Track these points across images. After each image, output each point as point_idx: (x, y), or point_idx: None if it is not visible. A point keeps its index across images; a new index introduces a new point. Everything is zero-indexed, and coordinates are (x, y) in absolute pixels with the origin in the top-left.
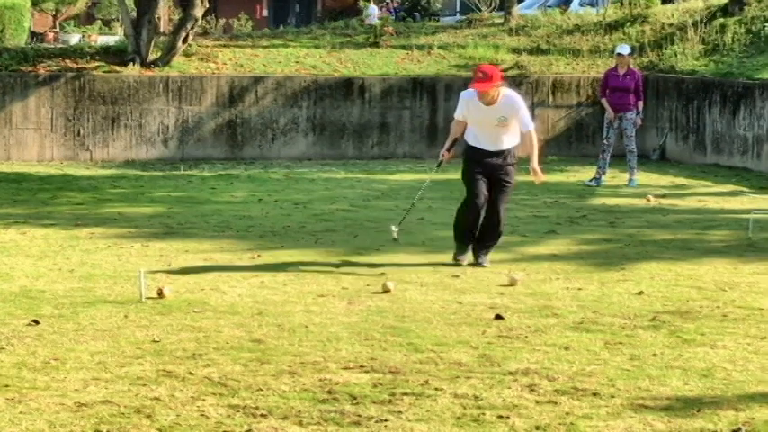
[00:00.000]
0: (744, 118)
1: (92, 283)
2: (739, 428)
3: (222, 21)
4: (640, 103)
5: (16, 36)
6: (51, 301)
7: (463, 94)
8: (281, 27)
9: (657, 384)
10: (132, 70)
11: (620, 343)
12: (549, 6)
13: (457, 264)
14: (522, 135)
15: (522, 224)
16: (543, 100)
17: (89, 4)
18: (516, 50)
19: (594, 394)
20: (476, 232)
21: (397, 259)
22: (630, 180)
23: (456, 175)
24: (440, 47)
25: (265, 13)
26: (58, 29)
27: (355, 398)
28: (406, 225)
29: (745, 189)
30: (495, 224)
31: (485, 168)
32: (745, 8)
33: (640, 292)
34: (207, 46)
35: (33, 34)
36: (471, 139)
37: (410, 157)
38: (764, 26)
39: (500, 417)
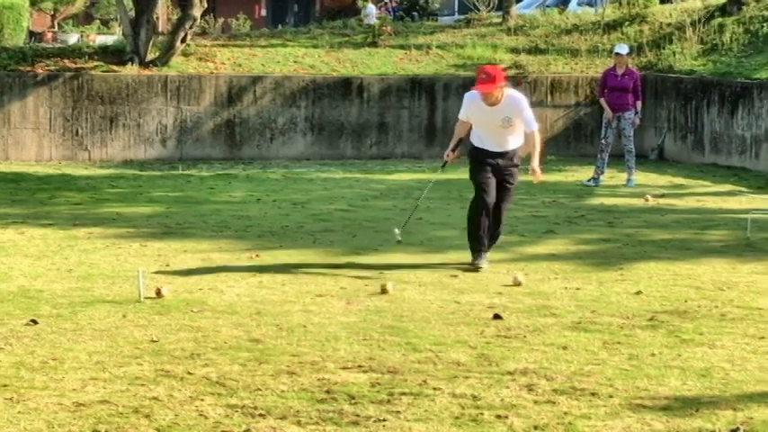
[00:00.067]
0: (742, 118)
1: (90, 282)
2: (738, 428)
3: (221, 20)
4: (639, 103)
5: (15, 36)
6: (49, 300)
7: (467, 95)
8: (280, 27)
9: (656, 384)
10: (131, 70)
11: (619, 343)
12: (547, 6)
13: (475, 269)
14: (526, 135)
15: (520, 224)
16: (541, 100)
17: (87, 4)
18: (514, 50)
19: (593, 394)
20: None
21: (395, 259)
22: (629, 180)
23: (455, 176)
24: (438, 46)
25: (264, 12)
26: (56, 28)
27: (354, 398)
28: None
29: (743, 189)
30: (495, 225)
31: (491, 169)
32: (744, 8)
33: (638, 292)
34: (205, 46)
35: (32, 34)
36: (476, 141)
37: (408, 156)
38: (763, 26)
39: (498, 416)
